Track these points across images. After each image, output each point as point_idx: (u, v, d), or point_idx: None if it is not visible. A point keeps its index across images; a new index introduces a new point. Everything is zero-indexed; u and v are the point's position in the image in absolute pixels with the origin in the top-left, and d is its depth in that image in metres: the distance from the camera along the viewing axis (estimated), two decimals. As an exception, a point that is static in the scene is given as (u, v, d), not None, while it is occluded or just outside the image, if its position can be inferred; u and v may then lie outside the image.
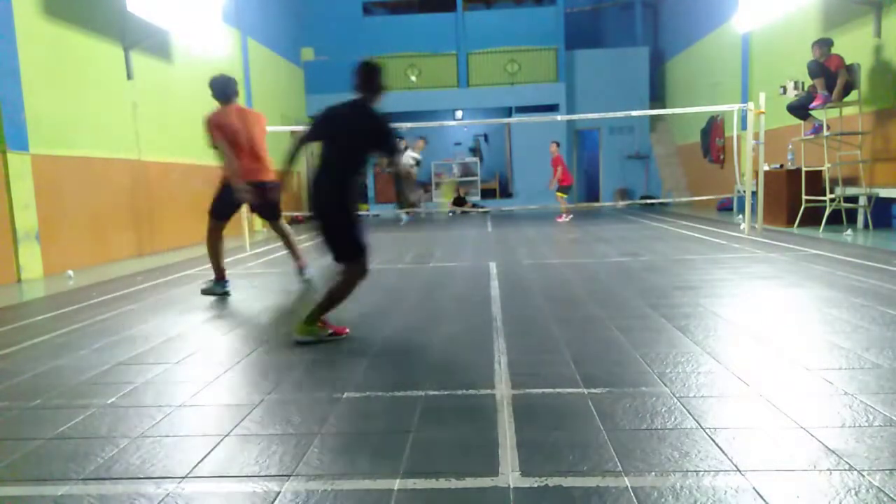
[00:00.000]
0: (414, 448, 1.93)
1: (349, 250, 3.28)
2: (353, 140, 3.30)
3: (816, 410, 2.12)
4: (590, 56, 16.46)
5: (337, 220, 3.26)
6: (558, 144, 11.76)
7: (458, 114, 16.71)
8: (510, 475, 1.72)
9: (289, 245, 5.18)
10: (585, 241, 7.85)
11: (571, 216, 11.63)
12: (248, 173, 4.63)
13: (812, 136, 8.42)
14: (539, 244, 6.90)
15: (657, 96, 16.55)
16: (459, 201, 15.76)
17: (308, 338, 3.27)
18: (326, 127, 3.37)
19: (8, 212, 6.12)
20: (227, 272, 5.00)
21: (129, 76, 8.20)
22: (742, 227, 8.23)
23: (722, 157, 13.12)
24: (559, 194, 11.59)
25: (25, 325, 4.08)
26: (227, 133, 4.57)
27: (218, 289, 4.86)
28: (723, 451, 1.81)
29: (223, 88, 4.72)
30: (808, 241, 6.99)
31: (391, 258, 6.92)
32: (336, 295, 3.31)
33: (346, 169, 3.29)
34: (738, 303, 3.99)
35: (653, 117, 16.35)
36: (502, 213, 11.23)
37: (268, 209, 4.94)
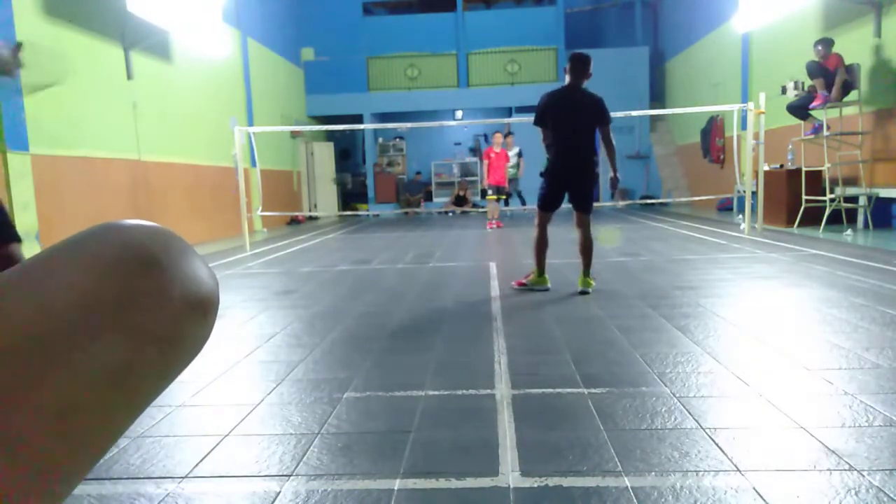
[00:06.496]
0: (414, 448, 1.92)
1: (591, 203, 4.40)
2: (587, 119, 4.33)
3: (816, 410, 2.12)
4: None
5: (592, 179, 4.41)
6: (506, 135, 10.88)
7: (458, 114, 16.72)
8: (510, 475, 1.72)
9: None
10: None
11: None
12: None
13: (812, 136, 8.42)
14: (539, 244, 6.94)
15: (657, 96, 16.54)
16: (460, 201, 15.77)
17: (590, 287, 4.33)
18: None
19: (8, 212, 6.11)
20: (228, 272, 4.98)
21: (129, 76, 8.20)
22: (742, 227, 8.23)
23: (722, 157, 13.11)
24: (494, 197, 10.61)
25: (25, 325, 4.07)
26: None
27: None
28: (723, 451, 1.81)
29: None
30: (808, 241, 6.99)
31: (391, 258, 6.92)
32: (591, 245, 4.34)
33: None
34: (738, 303, 3.99)
35: (653, 117, 16.35)
36: (502, 212, 11.23)
37: None
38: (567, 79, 4.36)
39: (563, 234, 4.63)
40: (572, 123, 4.30)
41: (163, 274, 0.29)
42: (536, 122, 4.46)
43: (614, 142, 4.44)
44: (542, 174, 4.49)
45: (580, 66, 4.30)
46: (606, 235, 4.81)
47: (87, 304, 0.26)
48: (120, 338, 0.26)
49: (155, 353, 0.28)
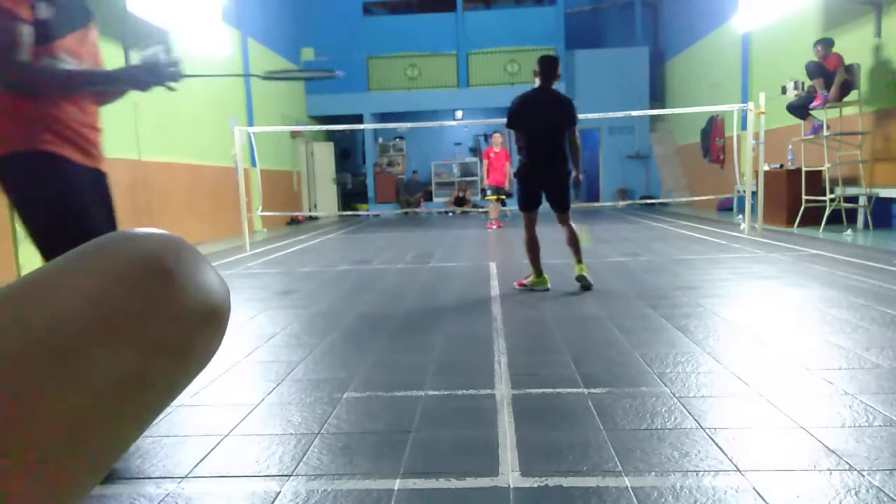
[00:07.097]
0: (414, 448, 1.93)
1: (568, 202, 4.49)
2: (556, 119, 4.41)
3: (816, 410, 2.12)
4: (590, 56, 16.45)
5: (566, 180, 4.51)
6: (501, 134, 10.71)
7: (458, 114, 16.71)
8: (510, 475, 1.72)
9: None
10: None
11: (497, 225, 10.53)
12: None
13: (812, 136, 8.42)
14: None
15: (657, 96, 16.53)
16: (460, 201, 15.76)
17: (585, 272, 4.41)
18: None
19: (8, 212, 6.11)
20: (228, 272, 4.98)
21: (129, 76, 8.19)
22: (742, 227, 8.23)
23: (722, 157, 13.11)
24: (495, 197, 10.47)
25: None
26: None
27: None
28: (723, 451, 1.81)
29: None
30: (808, 241, 6.99)
31: (391, 258, 6.92)
32: (576, 237, 4.46)
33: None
34: (738, 303, 3.99)
35: (653, 117, 16.34)
36: (502, 213, 11.23)
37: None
38: (537, 81, 4.47)
39: (559, 234, 4.64)
40: (543, 124, 4.40)
41: (175, 284, 0.29)
42: (509, 125, 4.55)
43: (579, 143, 4.53)
44: (515, 175, 4.60)
45: (549, 69, 4.44)
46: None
47: (99, 313, 0.26)
48: (131, 348, 0.26)
49: (166, 364, 0.28)
